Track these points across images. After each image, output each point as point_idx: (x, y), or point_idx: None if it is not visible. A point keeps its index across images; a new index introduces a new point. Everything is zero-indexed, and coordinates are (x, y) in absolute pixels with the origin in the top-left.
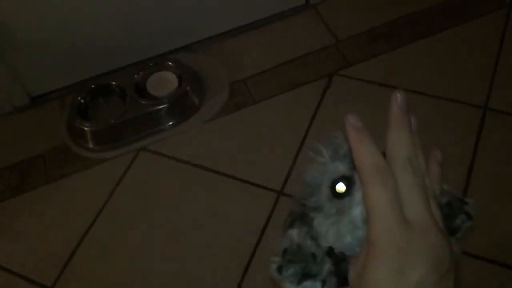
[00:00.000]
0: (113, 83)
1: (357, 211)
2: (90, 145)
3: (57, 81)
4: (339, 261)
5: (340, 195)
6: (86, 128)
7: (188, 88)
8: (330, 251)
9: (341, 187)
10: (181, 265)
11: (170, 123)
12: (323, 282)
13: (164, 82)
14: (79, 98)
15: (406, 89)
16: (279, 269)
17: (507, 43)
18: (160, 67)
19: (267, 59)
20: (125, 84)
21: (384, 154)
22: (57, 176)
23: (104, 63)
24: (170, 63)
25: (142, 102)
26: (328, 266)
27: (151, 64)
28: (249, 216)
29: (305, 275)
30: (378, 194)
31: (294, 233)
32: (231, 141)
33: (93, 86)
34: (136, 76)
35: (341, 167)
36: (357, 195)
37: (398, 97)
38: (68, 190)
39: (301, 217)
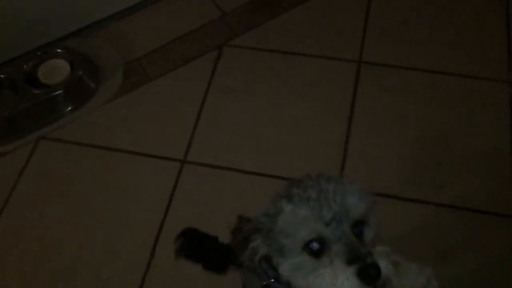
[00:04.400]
0: (1, 76)
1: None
2: None
3: None
4: None
5: (313, 254)
6: None
7: (81, 72)
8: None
9: (314, 247)
10: (96, 242)
11: (69, 108)
12: None
13: (56, 70)
14: None
15: (291, 53)
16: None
17: (375, 1)
18: (50, 55)
19: (158, 37)
20: (14, 76)
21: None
22: None
23: None
24: (59, 50)
25: (35, 91)
26: None
27: (39, 53)
28: (157, 187)
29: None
30: None
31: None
32: (131, 120)
33: None
34: (25, 66)
35: (314, 225)
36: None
37: None
38: None
39: (263, 234)
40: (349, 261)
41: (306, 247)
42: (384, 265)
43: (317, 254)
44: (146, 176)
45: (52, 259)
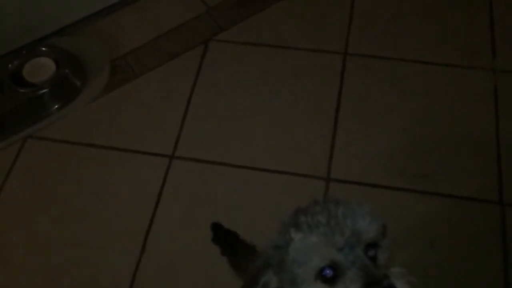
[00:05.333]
0: None
1: None
2: None
3: None
4: None
5: (327, 281)
6: None
7: (66, 71)
8: None
9: (328, 274)
10: (86, 240)
11: (55, 107)
12: None
13: (41, 68)
14: None
15: (277, 46)
16: None
17: None
18: (35, 54)
19: (144, 34)
20: None
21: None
22: None
23: None
24: (44, 49)
25: (21, 90)
26: None
27: (24, 52)
28: (146, 183)
29: None
30: None
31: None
32: (119, 116)
33: None
34: (10, 66)
35: (326, 251)
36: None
37: None
38: None
39: (274, 267)
40: (366, 286)
41: (320, 275)
42: (401, 287)
43: (331, 282)
44: (135, 172)
45: (42, 258)
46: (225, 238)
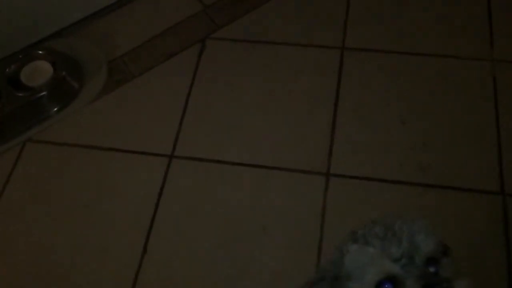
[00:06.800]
0: None
1: None
2: None
3: None
4: None
5: None
6: None
7: (64, 73)
8: None
9: None
10: (88, 242)
11: (54, 109)
12: None
13: (39, 72)
14: None
15: (274, 42)
16: None
17: None
18: (32, 58)
19: (140, 34)
20: None
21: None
22: None
23: None
24: (40, 52)
25: (19, 94)
26: None
27: (20, 56)
28: (146, 183)
29: None
30: None
31: None
32: (117, 117)
33: None
34: (7, 70)
35: (383, 262)
36: None
37: None
38: None
39: (328, 282)
40: None
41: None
42: None
43: None
44: (135, 173)
45: (44, 262)
46: None
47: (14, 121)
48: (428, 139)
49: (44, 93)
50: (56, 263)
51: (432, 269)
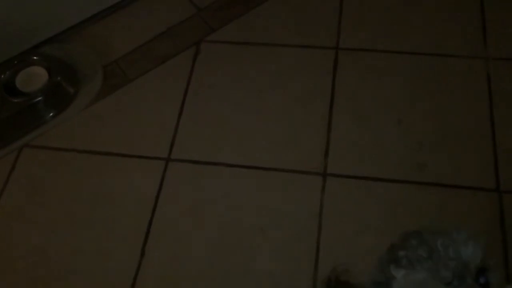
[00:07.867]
0: None
1: None
2: None
3: None
4: None
5: None
6: None
7: (59, 78)
8: None
9: None
10: (85, 247)
11: (50, 115)
12: None
13: (34, 77)
14: None
15: (268, 44)
16: None
17: None
18: (26, 64)
19: (134, 38)
20: None
21: None
22: None
23: None
24: (35, 58)
25: (15, 100)
26: None
27: (15, 62)
28: (143, 186)
29: None
30: None
31: None
32: (113, 122)
33: None
34: (2, 76)
35: None
36: None
37: None
38: None
39: None
40: None
41: None
42: None
43: None
44: (132, 177)
45: (42, 266)
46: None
47: (10, 127)
48: (424, 138)
49: (39, 98)
50: (53, 268)
51: (482, 280)
